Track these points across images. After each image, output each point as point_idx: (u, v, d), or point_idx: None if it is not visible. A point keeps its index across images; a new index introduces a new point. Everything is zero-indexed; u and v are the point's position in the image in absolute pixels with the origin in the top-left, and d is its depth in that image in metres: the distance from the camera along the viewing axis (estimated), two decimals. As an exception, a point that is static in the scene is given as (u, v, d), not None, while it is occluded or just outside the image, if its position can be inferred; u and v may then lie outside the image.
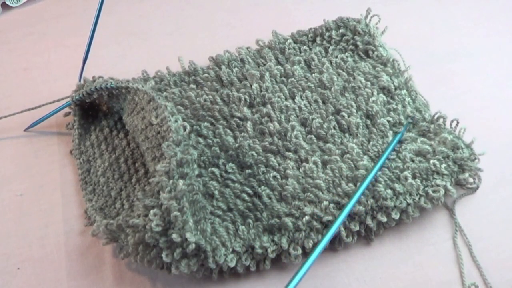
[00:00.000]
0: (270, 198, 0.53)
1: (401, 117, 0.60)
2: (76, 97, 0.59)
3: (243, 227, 0.51)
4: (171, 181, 0.47)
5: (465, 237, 0.54)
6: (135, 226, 0.47)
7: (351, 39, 0.67)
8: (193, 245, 0.46)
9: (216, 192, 0.54)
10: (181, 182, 0.47)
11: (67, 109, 0.62)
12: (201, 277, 0.50)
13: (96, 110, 0.63)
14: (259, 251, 0.50)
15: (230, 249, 0.50)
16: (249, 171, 0.56)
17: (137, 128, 0.57)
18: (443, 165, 0.54)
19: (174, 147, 0.49)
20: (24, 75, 0.70)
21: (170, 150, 0.49)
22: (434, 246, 0.53)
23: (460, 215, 0.55)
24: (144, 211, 0.47)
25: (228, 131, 0.59)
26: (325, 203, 0.52)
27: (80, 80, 0.63)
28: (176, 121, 0.52)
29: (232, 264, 0.49)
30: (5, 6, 0.78)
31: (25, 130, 0.63)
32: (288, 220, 0.51)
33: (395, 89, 0.62)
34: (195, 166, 0.51)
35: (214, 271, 0.50)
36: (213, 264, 0.48)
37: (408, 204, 0.52)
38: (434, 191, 0.53)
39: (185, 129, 0.53)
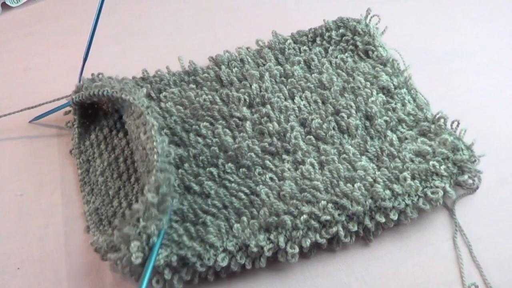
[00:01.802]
0: (268, 196, 0.53)
1: (401, 115, 0.60)
2: (76, 99, 0.59)
3: (238, 225, 0.51)
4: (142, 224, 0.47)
5: (465, 237, 0.54)
6: (118, 258, 0.47)
7: (351, 39, 0.67)
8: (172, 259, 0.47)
9: (212, 192, 0.54)
10: (153, 227, 0.47)
11: (67, 108, 0.62)
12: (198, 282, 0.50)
13: (96, 109, 0.63)
14: (254, 249, 0.50)
15: (221, 249, 0.50)
16: (245, 170, 0.56)
17: (133, 133, 0.57)
18: (443, 167, 0.54)
19: (153, 195, 0.48)
20: (24, 75, 0.70)
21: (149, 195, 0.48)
22: (434, 246, 0.53)
23: (460, 215, 0.55)
24: (123, 240, 0.47)
25: (227, 131, 0.59)
26: (323, 203, 0.52)
27: (80, 80, 0.63)
28: (162, 141, 0.52)
29: (223, 264, 0.49)
30: (5, 6, 0.78)
31: (30, 122, 0.63)
32: (287, 218, 0.51)
33: (395, 88, 0.62)
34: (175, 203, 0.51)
35: (209, 273, 0.50)
36: (202, 267, 0.49)
37: (407, 205, 0.52)
38: (433, 193, 0.53)
39: (169, 155, 0.52)
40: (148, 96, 0.63)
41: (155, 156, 0.50)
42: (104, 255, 0.50)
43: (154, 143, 0.51)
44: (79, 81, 0.62)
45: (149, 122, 0.53)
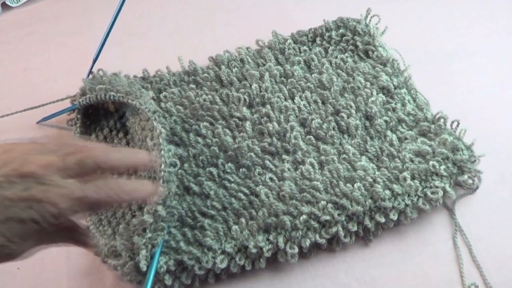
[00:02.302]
0: (268, 197, 0.53)
1: (401, 115, 0.60)
2: (83, 103, 0.59)
3: (236, 226, 0.51)
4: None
5: (465, 237, 0.54)
6: (118, 265, 0.48)
7: (351, 40, 0.67)
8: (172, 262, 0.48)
9: (212, 193, 0.54)
10: (159, 238, 0.48)
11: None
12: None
13: (97, 109, 0.63)
14: (253, 250, 0.50)
15: (219, 251, 0.50)
16: (245, 170, 0.56)
17: (136, 134, 0.57)
18: (443, 167, 0.54)
19: (162, 207, 0.49)
20: (24, 75, 0.70)
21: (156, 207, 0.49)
22: (434, 246, 0.53)
23: (460, 215, 0.55)
24: (125, 247, 0.48)
25: (227, 131, 0.59)
26: (323, 203, 0.52)
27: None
28: (169, 151, 0.52)
29: (222, 266, 0.49)
30: (5, 6, 0.78)
31: (37, 123, 0.63)
32: (287, 219, 0.51)
33: (395, 88, 0.62)
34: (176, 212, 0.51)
35: (209, 275, 0.50)
36: (201, 270, 0.49)
37: (407, 205, 0.52)
38: (432, 193, 0.53)
39: (175, 165, 0.52)
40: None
41: (162, 166, 0.50)
42: (105, 258, 0.50)
43: (162, 152, 0.51)
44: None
45: (157, 129, 0.53)
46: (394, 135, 0.58)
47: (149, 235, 0.47)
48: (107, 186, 0.39)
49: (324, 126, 0.59)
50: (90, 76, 0.62)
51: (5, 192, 0.36)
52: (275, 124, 0.59)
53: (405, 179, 0.53)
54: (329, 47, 0.67)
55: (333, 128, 0.59)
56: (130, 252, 0.48)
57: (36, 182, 0.37)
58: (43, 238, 0.39)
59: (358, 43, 0.66)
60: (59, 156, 0.39)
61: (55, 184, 0.37)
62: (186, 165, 0.56)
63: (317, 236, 0.51)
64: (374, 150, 0.57)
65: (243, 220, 0.52)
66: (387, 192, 0.52)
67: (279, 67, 0.65)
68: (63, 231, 0.41)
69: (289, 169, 0.56)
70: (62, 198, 0.37)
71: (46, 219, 0.37)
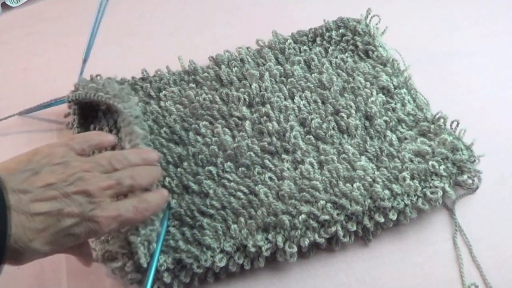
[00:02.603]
0: (267, 196, 0.53)
1: (401, 115, 0.60)
2: (71, 98, 0.59)
3: (235, 225, 0.51)
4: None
5: (465, 237, 0.54)
6: (115, 268, 0.48)
7: (351, 40, 0.67)
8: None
9: (211, 192, 0.54)
10: (154, 234, 0.49)
11: (67, 110, 0.63)
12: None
13: (96, 110, 0.63)
14: (252, 249, 0.50)
15: (218, 250, 0.50)
16: (244, 169, 0.56)
17: (120, 140, 0.57)
18: (442, 167, 0.54)
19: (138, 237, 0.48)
20: (24, 75, 0.70)
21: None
22: (434, 246, 0.53)
23: (460, 215, 0.55)
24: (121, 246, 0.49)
25: (227, 130, 0.59)
26: (322, 202, 0.52)
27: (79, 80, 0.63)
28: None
29: (221, 264, 0.49)
30: (5, 6, 0.78)
31: (20, 115, 0.64)
32: (286, 218, 0.51)
33: (395, 88, 0.62)
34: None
35: (208, 274, 0.50)
36: (199, 269, 0.49)
37: (406, 205, 0.52)
38: (432, 193, 0.53)
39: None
40: (148, 95, 0.63)
41: None
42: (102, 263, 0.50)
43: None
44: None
45: (135, 132, 0.53)
46: (394, 135, 0.58)
47: (143, 231, 0.47)
48: (142, 205, 0.45)
49: (324, 126, 0.59)
50: (88, 78, 0.62)
51: (63, 208, 0.40)
52: (275, 123, 0.59)
53: (404, 179, 0.53)
54: (329, 47, 0.67)
55: (333, 128, 0.59)
56: (128, 252, 0.48)
57: (89, 202, 0.41)
58: (68, 247, 0.43)
59: (358, 43, 0.66)
60: (113, 179, 0.43)
61: (105, 207, 0.42)
62: (185, 163, 0.56)
63: (316, 236, 0.51)
64: (374, 150, 0.57)
65: (242, 219, 0.52)
66: (387, 192, 0.52)
67: (279, 66, 0.65)
68: (79, 244, 0.45)
69: (288, 169, 0.56)
70: (107, 220, 0.42)
71: (88, 235, 0.41)
